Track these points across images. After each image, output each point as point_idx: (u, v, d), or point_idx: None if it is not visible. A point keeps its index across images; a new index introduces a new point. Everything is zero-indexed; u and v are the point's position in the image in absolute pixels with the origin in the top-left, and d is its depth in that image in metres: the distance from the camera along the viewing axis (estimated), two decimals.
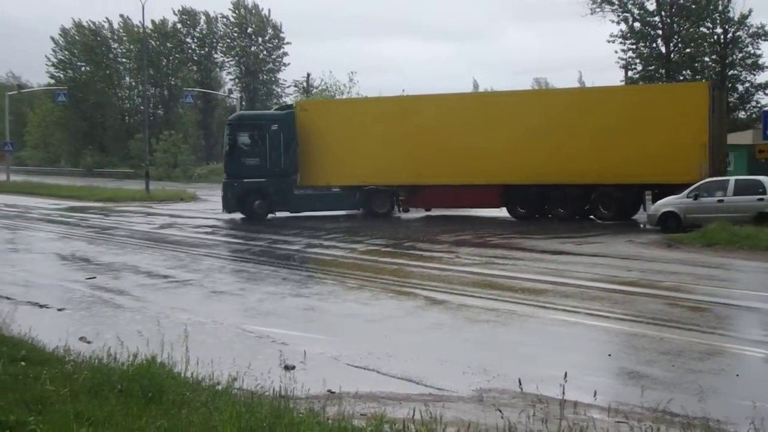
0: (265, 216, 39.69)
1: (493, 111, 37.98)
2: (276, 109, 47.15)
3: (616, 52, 65.19)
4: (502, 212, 38.73)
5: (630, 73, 64.76)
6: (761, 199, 30.01)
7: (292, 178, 39.97)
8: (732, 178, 30.82)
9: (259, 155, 39.33)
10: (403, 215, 40.41)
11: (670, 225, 30.54)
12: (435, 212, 40.56)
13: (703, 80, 61.69)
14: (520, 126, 36.35)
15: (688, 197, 30.66)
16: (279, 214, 40.16)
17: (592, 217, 36.22)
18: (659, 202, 32.19)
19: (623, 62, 64.70)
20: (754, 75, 61.25)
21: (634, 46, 64.18)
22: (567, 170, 35.25)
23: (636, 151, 34.66)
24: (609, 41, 64.63)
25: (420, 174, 37.74)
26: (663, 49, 63.41)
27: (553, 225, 34.70)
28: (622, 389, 11.16)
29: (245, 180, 39.13)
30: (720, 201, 30.12)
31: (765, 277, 22.09)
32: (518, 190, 37.25)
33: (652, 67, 63.91)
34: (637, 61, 64.46)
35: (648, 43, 64.07)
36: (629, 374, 12.40)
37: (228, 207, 39.88)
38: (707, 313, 17.19)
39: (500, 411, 8.30)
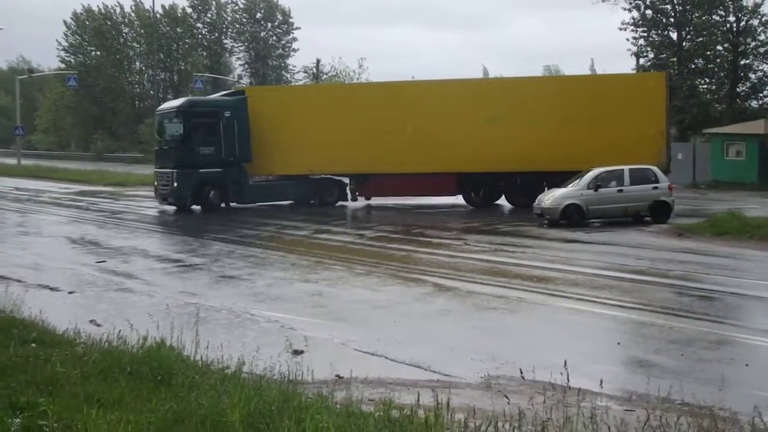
0: (218, 207, 37.57)
1: (449, 99, 37.72)
2: (225, 94, 43.24)
3: (627, 39, 64.99)
4: (452, 200, 39.03)
5: (641, 61, 64.54)
6: (655, 188, 30.59)
7: (244, 167, 38.01)
8: (626, 167, 30.67)
9: (214, 144, 36.84)
10: (352, 204, 39.65)
11: (574, 219, 29.93)
12: (379, 201, 39.93)
13: (714, 68, 61.79)
14: (478, 114, 36.62)
15: (588, 188, 30.26)
16: (231, 205, 38.82)
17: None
18: (555, 194, 31.03)
19: (635, 50, 64.49)
20: (767, 64, 61.04)
21: (645, 34, 63.93)
22: (528, 158, 35.43)
23: (595, 138, 35.32)
24: (620, 29, 64.48)
25: (371, 162, 37.16)
26: (675, 37, 63.13)
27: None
28: (630, 378, 11.14)
29: (201, 170, 36.60)
30: (620, 191, 30.23)
31: None
32: (475, 177, 37.60)
33: (664, 55, 63.67)
34: (649, 49, 64.21)
35: (660, 31, 63.80)
36: (638, 363, 12.39)
37: (180, 199, 36.78)
38: (717, 303, 17.17)
39: (508, 398, 8.32)
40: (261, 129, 37.87)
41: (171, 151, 37.16)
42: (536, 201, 31.38)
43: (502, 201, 38.51)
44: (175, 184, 36.14)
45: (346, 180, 39.64)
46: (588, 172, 30.65)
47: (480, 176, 37.32)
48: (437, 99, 37.82)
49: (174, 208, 37.84)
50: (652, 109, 37.03)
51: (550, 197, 30.82)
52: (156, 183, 38.22)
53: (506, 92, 38.47)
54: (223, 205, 38.14)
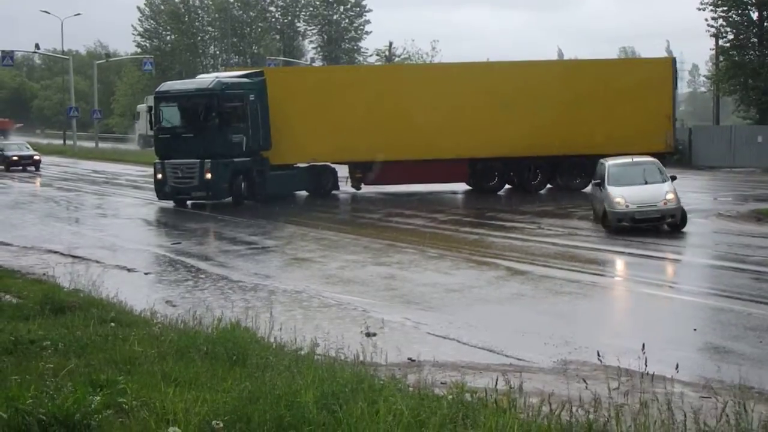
0: (244, 201, 32.71)
1: (460, 83, 36.02)
2: (241, 75, 35.79)
3: (706, 20, 63.61)
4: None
5: (721, 42, 63.31)
6: None
7: (266, 156, 33.80)
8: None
9: (242, 130, 32.26)
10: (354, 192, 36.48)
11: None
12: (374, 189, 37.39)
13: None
14: (488, 98, 35.51)
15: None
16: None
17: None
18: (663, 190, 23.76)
19: (713, 30, 63.28)
20: None
21: (725, 14, 62.63)
22: (538, 142, 34.67)
23: (606, 123, 34.83)
24: (699, 9, 63.24)
25: (382, 148, 33.88)
26: (755, 17, 61.79)
27: None
28: (707, 364, 11.00)
29: (236, 160, 31.78)
30: None
31: None
32: (487, 163, 36.13)
33: (744, 35, 62.36)
34: (728, 29, 62.92)
35: (740, 10, 62.39)
36: (715, 349, 12.23)
37: (216, 193, 31.55)
38: None
39: (585, 382, 8.28)
40: (275, 114, 34.00)
41: (197, 139, 30.79)
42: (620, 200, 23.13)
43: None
44: (209, 176, 30.40)
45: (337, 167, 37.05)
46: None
47: (492, 162, 36.05)
48: (448, 83, 36.14)
49: (168, 203, 32.94)
50: (660, 95, 37.05)
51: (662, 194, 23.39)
52: (160, 176, 31.34)
53: (517, 76, 37.35)
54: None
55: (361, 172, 35.75)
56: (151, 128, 33.79)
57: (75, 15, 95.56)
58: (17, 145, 59.96)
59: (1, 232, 24.88)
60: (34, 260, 19.39)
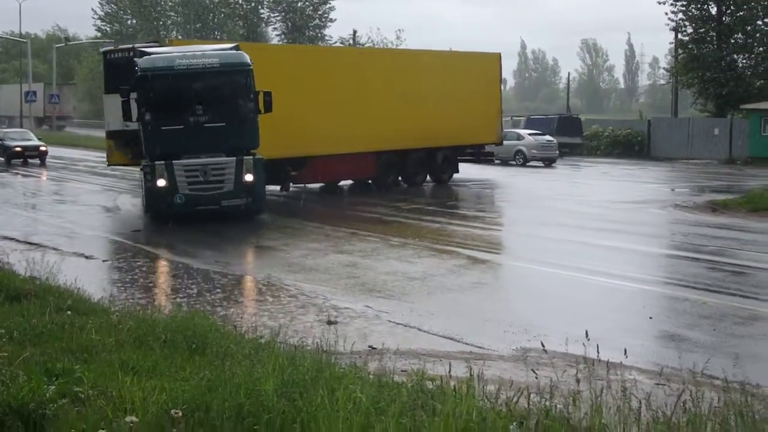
0: None
1: (348, 68, 32.77)
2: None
3: (666, 13, 64.26)
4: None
5: (680, 35, 63.95)
6: None
7: None
8: None
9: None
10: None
11: None
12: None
13: (753, 43, 61.10)
14: (368, 86, 32.80)
15: None
16: None
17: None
18: None
19: (673, 24, 63.86)
20: None
21: (684, 8, 63.22)
22: (424, 135, 33.87)
23: (460, 115, 34.89)
24: (659, 2, 63.77)
25: (308, 143, 29.43)
26: (714, 12, 62.42)
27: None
28: (662, 351, 11.12)
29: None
30: None
31: None
32: (393, 156, 33.61)
33: (703, 29, 62.99)
34: (687, 23, 63.53)
35: (699, 5, 63.05)
36: (670, 337, 12.36)
37: (259, 199, 24.15)
38: (750, 278, 17.10)
39: (540, 370, 8.33)
40: None
41: (226, 131, 23.04)
42: None
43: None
44: (249, 177, 22.94)
45: None
46: None
47: (399, 154, 33.88)
48: (351, 69, 32.75)
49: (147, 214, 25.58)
50: (493, 88, 37.97)
51: None
52: (163, 183, 22.48)
53: (379, 64, 35.56)
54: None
55: (295, 170, 29.91)
56: (130, 118, 23.16)
57: None
58: (19, 133, 52.69)
59: None
60: None
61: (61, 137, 70.81)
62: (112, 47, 32.25)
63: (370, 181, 33.92)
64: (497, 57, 39.60)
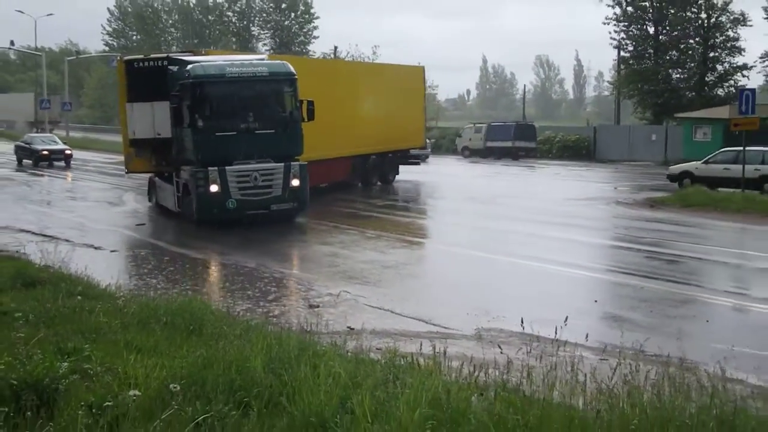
0: None
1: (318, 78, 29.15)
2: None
3: (609, 33, 64.79)
4: None
5: (622, 52, 64.43)
6: None
7: None
8: None
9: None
10: None
11: None
12: None
13: (686, 59, 61.44)
14: (354, 97, 32.07)
15: None
16: None
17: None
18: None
19: (616, 42, 64.30)
20: (733, 57, 60.75)
21: (626, 28, 63.69)
22: (379, 141, 33.09)
23: (400, 122, 34.38)
24: (604, 23, 64.15)
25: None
26: (652, 31, 62.91)
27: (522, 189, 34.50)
28: (606, 331, 11.17)
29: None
30: None
31: (735, 235, 22.05)
32: (359, 160, 32.79)
33: (642, 47, 63.49)
34: (628, 41, 63.99)
35: (639, 26, 63.55)
36: (613, 318, 12.45)
37: (304, 202, 22.46)
38: (683, 266, 17.21)
39: (499, 347, 8.35)
40: None
41: (274, 137, 21.39)
42: None
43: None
44: (296, 182, 21.47)
45: None
46: None
47: (364, 158, 33.31)
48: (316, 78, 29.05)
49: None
50: (419, 97, 37.40)
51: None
52: (215, 188, 20.61)
53: (342, 75, 34.15)
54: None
55: None
56: (182, 124, 21.21)
57: (48, 15, 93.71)
58: (46, 138, 50.33)
59: None
60: (8, 239, 18.97)
61: (71, 141, 70.14)
62: (136, 56, 26.54)
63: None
64: (422, 70, 39.39)
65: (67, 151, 46.33)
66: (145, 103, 22.60)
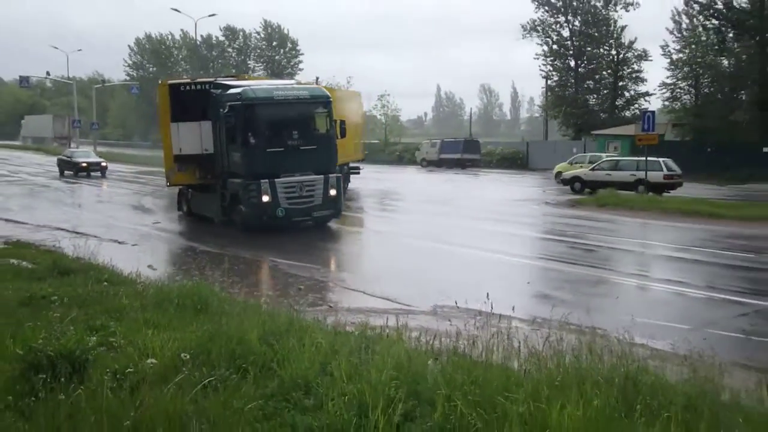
0: None
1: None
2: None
3: (539, 66, 65.45)
4: None
5: (549, 82, 64.95)
6: None
7: None
8: None
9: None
10: None
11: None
12: None
13: (600, 87, 61.97)
14: None
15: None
16: None
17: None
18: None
19: (544, 73, 64.80)
20: (638, 85, 61.55)
21: (551, 62, 64.22)
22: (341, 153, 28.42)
23: (350, 136, 30.58)
24: (535, 58, 64.79)
25: None
26: (573, 65, 63.46)
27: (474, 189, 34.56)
28: (536, 306, 11.23)
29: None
30: None
31: (638, 228, 22.25)
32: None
33: (564, 77, 64.06)
34: (554, 73, 64.53)
35: (562, 60, 64.07)
36: (542, 296, 12.55)
37: (339, 210, 21.47)
38: (597, 254, 17.36)
39: (450, 321, 8.38)
40: None
41: (316, 153, 20.09)
42: None
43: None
44: (333, 192, 20.37)
45: None
46: None
47: None
48: None
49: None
50: (359, 118, 36.59)
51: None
52: (266, 198, 19.31)
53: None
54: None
55: None
56: (234, 141, 19.74)
57: (77, 50, 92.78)
58: (84, 152, 49.87)
59: (20, 214, 23.99)
60: (46, 235, 18.76)
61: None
62: (180, 80, 25.20)
63: None
64: (359, 94, 38.92)
65: (103, 164, 45.54)
66: (193, 122, 21.23)
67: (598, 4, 61.79)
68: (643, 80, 61.37)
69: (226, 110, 19.52)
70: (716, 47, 52.97)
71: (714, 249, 17.88)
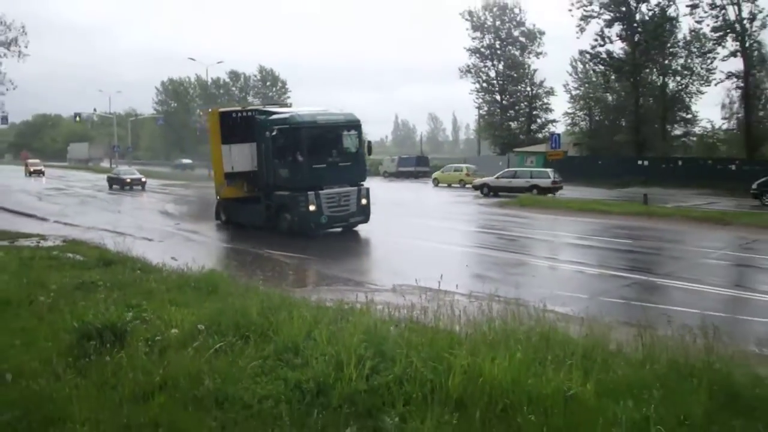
0: None
1: None
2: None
3: (473, 99, 65.82)
4: None
5: (481, 111, 65.44)
6: None
7: None
8: None
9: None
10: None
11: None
12: None
13: (519, 116, 62.55)
14: None
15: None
16: None
17: None
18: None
19: (477, 105, 65.25)
20: (547, 114, 62.32)
21: (482, 97, 64.66)
22: None
23: None
24: (470, 93, 65.18)
25: None
26: (498, 98, 63.95)
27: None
28: (473, 283, 11.27)
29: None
30: None
31: (552, 223, 22.38)
32: None
33: (492, 108, 64.50)
34: (484, 104, 64.99)
35: (490, 95, 64.50)
36: (477, 276, 12.59)
37: (368, 216, 19.51)
38: (518, 243, 17.52)
39: (408, 296, 8.38)
40: None
41: (351, 168, 18.80)
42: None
43: None
44: (364, 201, 19.11)
45: None
46: None
47: None
48: None
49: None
50: None
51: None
52: (313, 207, 17.89)
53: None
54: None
55: None
56: (283, 158, 18.28)
57: (117, 92, 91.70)
58: (128, 170, 48.51)
59: (74, 218, 23.45)
60: (93, 235, 18.30)
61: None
62: (229, 108, 22.97)
63: None
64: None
65: (143, 179, 44.58)
66: (244, 144, 19.71)
67: (516, 53, 62.32)
68: (551, 110, 62.18)
69: (275, 132, 18.16)
70: (602, 86, 54.44)
71: (604, 237, 18.17)
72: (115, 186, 44.31)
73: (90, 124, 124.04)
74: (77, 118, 73.70)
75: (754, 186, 29.86)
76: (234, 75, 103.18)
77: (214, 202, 21.95)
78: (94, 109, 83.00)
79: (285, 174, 18.42)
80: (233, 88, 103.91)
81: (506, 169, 35.05)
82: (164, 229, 20.66)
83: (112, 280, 9.61)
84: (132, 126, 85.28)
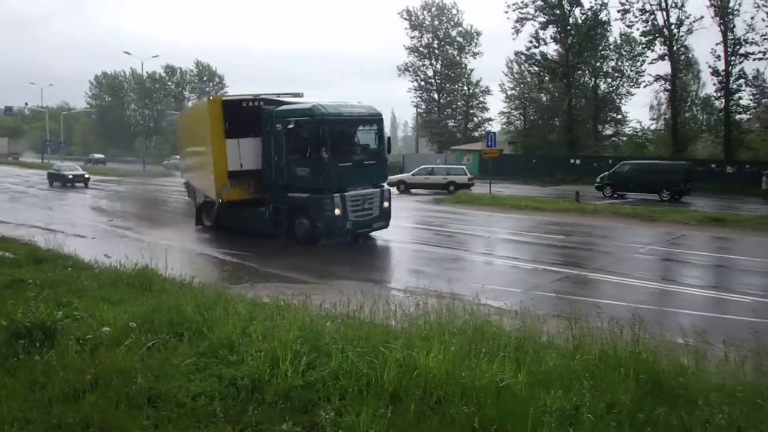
0: None
1: None
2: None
3: (411, 98, 66.15)
4: None
5: (419, 110, 65.84)
6: None
7: None
8: None
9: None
10: None
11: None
12: None
13: (456, 114, 63.38)
14: None
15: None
16: None
17: None
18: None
19: (415, 103, 65.66)
20: (483, 113, 63.39)
21: (420, 95, 65.09)
22: None
23: None
24: (408, 91, 65.52)
25: None
26: (436, 97, 64.58)
27: None
28: (410, 279, 11.31)
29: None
30: None
31: (486, 219, 22.74)
32: None
33: (430, 106, 65.06)
34: (422, 103, 65.45)
35: (428, 94, 65.00)
36: (413, 271, 12.59)
37: (389, 222, 17.18)
38: (455, 238, 17.75)
39: (342, 291, 8.37)
40: None
41: (373, 167, 16.47)
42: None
43: None
44: (386, 204, 16.70)
45: None
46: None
47: None
48: None
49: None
50: None
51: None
52: (338, 212, 15.38)
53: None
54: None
55: None
56: (307, 154, 15.33)
57: (50, 85, 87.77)
58: (70, 166, 44.53)
59: (4, 215, 22.15)
60: (24, 232, 17.41)
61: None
62: (234, 96, 18.27)
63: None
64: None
65: (86, 176, 41.60)
66: (254, 138, 16.53)
67: (453, 53, 63.02)
68: (487, 109, 63.27)
69: (291, 125, 15.31)
70: (537, 86, 55.69)
71: (538, 233, 18.62)
72: (56, 183, 41.36)
73: (20, 118, 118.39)
74: (8, 112, 72.23)
75: (597, 180, 32.35)
76: (170, 69, 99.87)
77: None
78: (26, 103, 79.76)
79: (304, 173, 15.57)
80: (169, 83, 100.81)
81: (422, 166, 35.09)
82: (97, 226, 19.85)
83: (43, 278, 9.20)
84: (65, 120, 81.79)
